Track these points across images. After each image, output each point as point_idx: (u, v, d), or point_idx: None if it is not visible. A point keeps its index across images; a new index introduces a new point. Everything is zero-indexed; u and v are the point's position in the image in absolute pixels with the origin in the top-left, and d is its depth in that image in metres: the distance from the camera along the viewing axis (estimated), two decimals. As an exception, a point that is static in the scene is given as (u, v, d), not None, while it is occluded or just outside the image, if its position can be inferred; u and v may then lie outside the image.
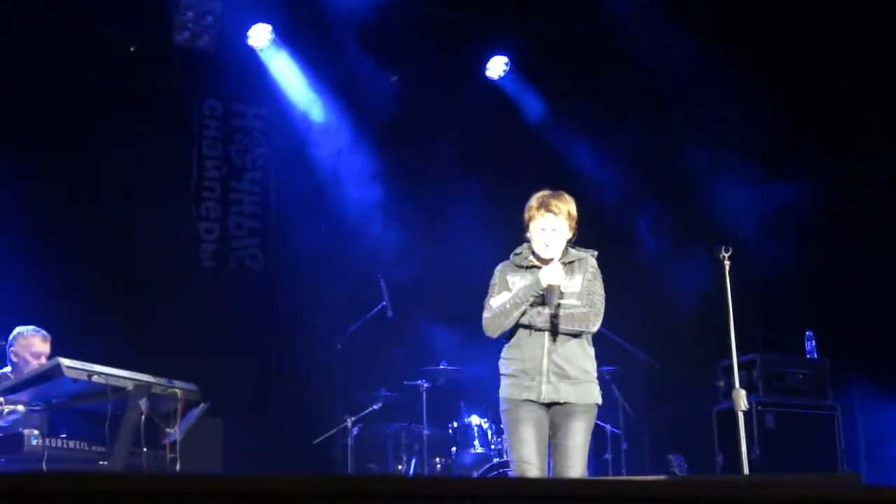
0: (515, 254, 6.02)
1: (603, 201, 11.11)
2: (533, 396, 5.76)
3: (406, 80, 10.79)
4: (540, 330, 5.80)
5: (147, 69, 10.05)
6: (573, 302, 5.83)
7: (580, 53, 10.93)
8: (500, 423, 9.13)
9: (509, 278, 5.88)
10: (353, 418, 8.92)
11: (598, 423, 9.37)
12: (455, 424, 9.32)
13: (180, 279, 10.02)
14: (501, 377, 5.93)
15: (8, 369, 7.29)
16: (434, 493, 2.46)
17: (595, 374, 5.97)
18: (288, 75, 10.63)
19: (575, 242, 6.06)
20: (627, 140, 11.04)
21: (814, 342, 9.72)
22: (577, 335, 5.87)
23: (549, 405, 5.79)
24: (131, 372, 6.80)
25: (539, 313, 5.79)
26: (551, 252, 5.86)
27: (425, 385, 9.15)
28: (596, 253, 6.09)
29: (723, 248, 6.24)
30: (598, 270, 6.04)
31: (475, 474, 8.86)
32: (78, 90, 9.53)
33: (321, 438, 9.12)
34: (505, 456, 8.98)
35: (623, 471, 9.39)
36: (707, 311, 8.77)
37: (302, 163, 10.68)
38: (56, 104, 9.49)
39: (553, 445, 5.86)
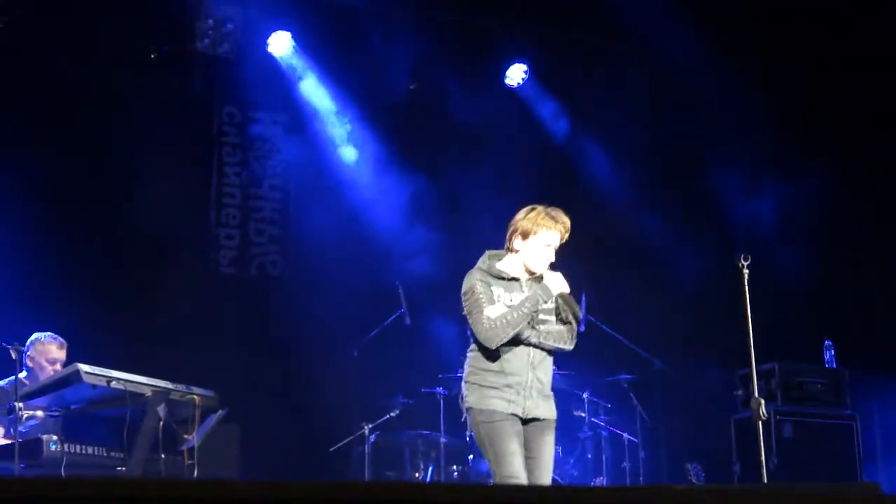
0: (488, 265, 5.91)
1: (620, 208, 11.11)
2: (518, 412, 5.72)
3: (425, 87, 10.80)
4: (525, 345, 5.76)
5: (168, 76, 10.07)
6: (549, 318, 5.83)
7: (599, 60, 10.92)
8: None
9: (493, 290, 5.78)
10: (370, 425, 8.91)
11: (616, 430, 9.43)
12: (471, 433, 9.31)
13: (200, 285, 10.05)
14: (475, 387, 5.80)
15: (24, 375, 7.32)
16: (451, 501, 2.47)
17: None
18: (308, 83, 10.65)
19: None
20: (645, 147, 11.04)
21: (832, 351, 9.69)
22: (551, 352, 5.88)
23: (525, 421, 5.78)
24: (150, 378, 6.83)
25: (533, 328, 5.75)
26: (545, 268, 5.86)
27: (442, 393, 9.15)
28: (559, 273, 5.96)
29: (742, 256, 6.22)
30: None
31: (491, 482, 8.84)
32: (98, 96, 9.57)
33: (338, 445, 9.12)
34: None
35: (641, 479, 9.37)
36: (725, 319, 8.75)
37: (321, 170, 10.70)
38: (76, 109, 9.53)
39: (528, 460, 5.79)
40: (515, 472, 5.68)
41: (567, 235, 5.95)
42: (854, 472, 9.26)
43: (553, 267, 5.99)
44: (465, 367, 5.92)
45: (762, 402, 6.10)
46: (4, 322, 7.69)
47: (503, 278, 5.83)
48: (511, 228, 5.92)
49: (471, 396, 5.81)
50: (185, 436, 6.94)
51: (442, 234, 10.51)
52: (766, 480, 6.24)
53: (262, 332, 10.08)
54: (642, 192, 11.01)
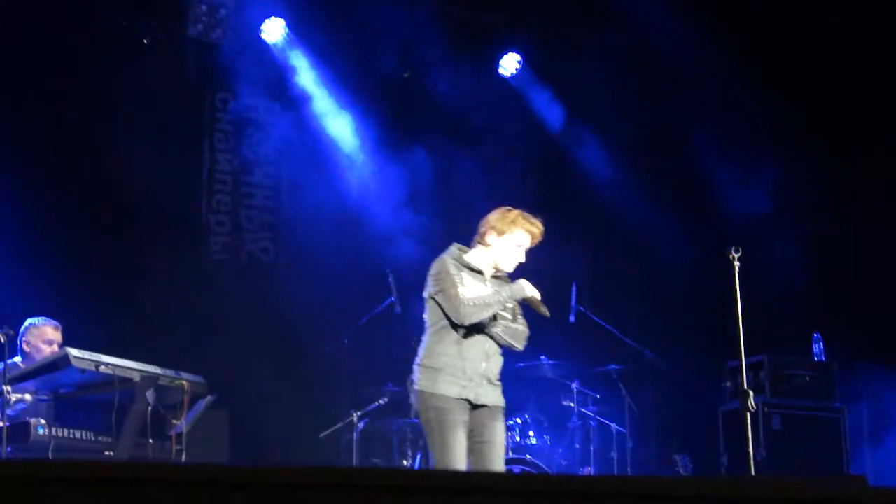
0: (458, 254, 6.15)
1: (612, 198, 11.12)
2: (470, 397, 5.93)
3: (419, 75, 10.78)
4: (482, 335, 6.00)
5: (160, 61, 10.03)
6: (507, 316, 6.10)
7: (592, 50, 10.92)
8: (507, 420, 9.19)
9: (464, 275, 6.02)
10: (359, 413, 8.91)
11: (604, 421, 9.45)
12: (461, 421, 9.32)
13: (191, 271, 10.03)
14: (430, 370, 5.97)
15: (18, 359, 7.31)
16: (438, 487, 2.47)
17: None
18: (301, 70, 10.63)
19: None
20: (637, 136, 11.04)
21: (821, 344, 9.71)
22: (501, 347, 6.12)
23: (475, 407, 5.97)
24: (139, 363, 6.82)
25: (498, 322, 6.01)
26: (513, 267, 6.16)
27: (432, 381, 9.14)
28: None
29: (732, 248, 6.22)
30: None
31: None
32: (89, 82, 9.53)
33: (327, 432, 9.12)
34: (509, 454, 9.00)
35: (628, 469, 9.39)
36: (715, 311, 8.76)
37: (314, 157, 10.68)
38: (67, 95, 9.50)
39: (480, 444, 5.99)
40: (460, 460, 5.86)
41: (539, 241, 6.21)
42: (841, 465, 9.29)
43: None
44: (421, 350, 6.09)
45: (751, 393, 6.11)
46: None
47: (471, 269, 6.09)
48: (487, 225, 6.15)
49: (424, 380, 5.97)
50: (174, 421, 6.94)
51: (433, 222, 10.50)
52: (753, 472, 6.26)
53: (252, 318, 10.06)
54: (634, 182, 11.02)
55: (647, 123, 10.97)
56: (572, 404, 9.45)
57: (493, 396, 6.04)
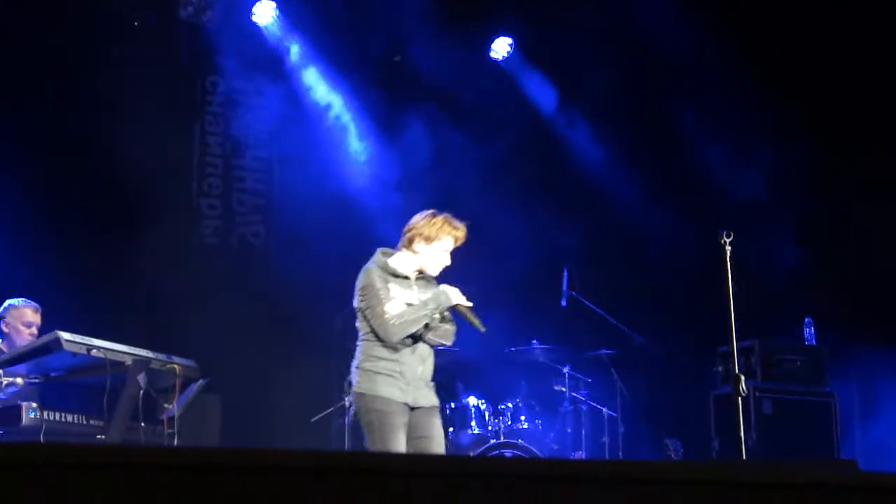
0: (383, 262, 6.28)
1: (602, 183, 11.13)
2: (409, 400, 6.08)
3: (410, 58, 10.76)
4: (418, 339, 6.16)
5: (151, 44, 10.00)
6: (437, 316, 6.19)
7: (584, 34, 10.90)
8: (499, 405, 9.24)
9: (389, 286, 6.16)
10: (350, 397, 8.92)
11: (596, 405, 9.47)
12: (452, 405, 9.34)
13: (182, 255, 10.01)
14: (369, 373, 6.11)
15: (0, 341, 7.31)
16: (429, 472, 2.47)
17: None
18: (292, 52, 10.60)
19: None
20: (629, 121, 11.04)
21: (812, 329, 9.72)
22: (432, 347, 6.29)
23: (412, 409, 6.12)
24: (130, 347, 6.81)
25: (429, 327, 6.15)
26: (439, 270, 6.33)
27: (423, 365, 9.16)
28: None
29: (724, 232, 6.22)
30: None
31: (472, 455, 8.87)
32: (80, 64, 9.49)
33: (319, 416, 9.13)
34: (501, 438, 9.01)
35: (619, 454, 9.41)
36: (706, 295, 8.77)
37: (305, 140, 10.66)
38: (56, 80, 9.45)
39: (419, 440, 6.12)
40: None
41: (461, 242, 6.36)
42: (832, 449, 9.31)
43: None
44: (359, 354, 6.22)
45: (742, 378, 6.12)
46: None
47: (397, 275, 6.22)
48: (413, 232, 6.28)
49: (364, 383, 6.11)
50: (166, 405, 6.93)
51: (425, 203, 10.43)
52: (744, 457, 6.27)
53: (244, 302, 10.04)
54: (625, 166, 11.02)
55: (639, 106, 10.97)
56: (564, 389, 9.47)
57: (430, 397, 6.21)
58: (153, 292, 9.48)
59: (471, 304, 6.25)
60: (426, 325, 6.13)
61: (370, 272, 6.20)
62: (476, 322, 6.25)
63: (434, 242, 6.26)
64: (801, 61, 10.33)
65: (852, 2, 10.00)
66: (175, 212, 10.16)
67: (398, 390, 6.05)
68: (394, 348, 6.08)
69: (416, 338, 6.14)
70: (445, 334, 6.26)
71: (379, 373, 6.07)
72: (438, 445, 6.20)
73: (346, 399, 8.85)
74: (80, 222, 9.53)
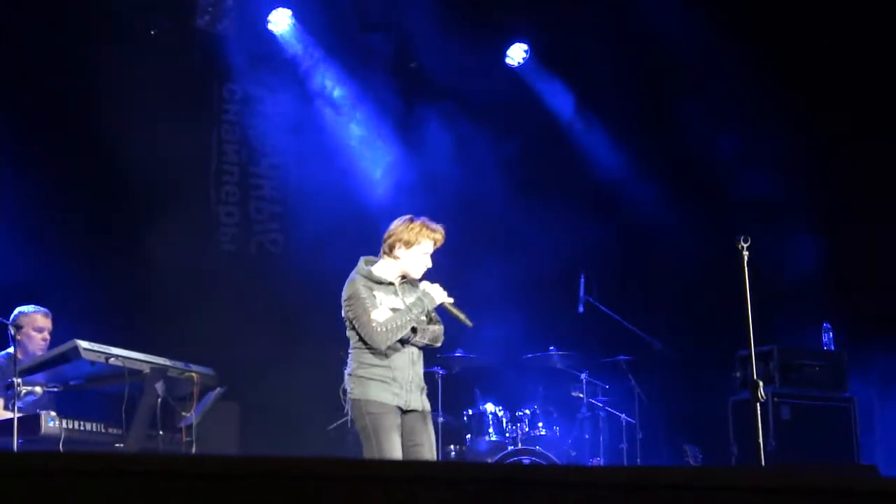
0: (367, 270, 6.39)
1: (619, 187, 11.12)
2: (401, 404, 6.20)
3: (425, 65, 10.77)
4: (407, 343, 6.27)
5: (167, 53, 10.03)
6: (424, 319, 6.33)
7: (600, 39, 10.89)
8: (517, 411, 9.23)
9: (374, 294, 6.27)
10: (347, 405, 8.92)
11: (613, 411, 9.45)
12: (470, 412, 9.34)
13: (201, 262, 10.03)
14: (363, 380, 6.22)
15: (12, 350, 7.31)
16: (446, 478, 2.46)
17: None
18: (308, 60, 10.62)
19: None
20: (645, 125, 11.03)
21: (831, 334, 9.68)
22: (421, 349, 6.39)
23: (405, 412, 6.25)
24: (148, 355, 6.83)
25: (417, 329, 6.26)
26: (421, 273, 6.41)
27: (441, 372, 9.17)
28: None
29: (741, 237, 6.20)
30: None
31: (490, 461, 8.86)
32: (97, 74, 9.51)
33: (336, 424, 9.13)
34: (519, 445, 9.01)
35: (638, 460, 9.39)
36: (724, 300, 8.74)
37: (321, 147, 10.67)
38: (74, 87, 9.49)
39: (411, 447, 6.24)
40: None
41: (441, 243, 6.46)
42: (852, 454, 9.26)
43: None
44: (351, 362, 6.33)
45: (760, 383, 6.10)
46: (2, 299, 7.67)
47: (381, 283, 6.33)
48: (393, 238, 6.40)
49: (358, 389, 6.24)
50: (184, 413, 6.95)
51: (442, 209, 10.48)
52: (763, 463, 6.25)
53: (262, 310, 10.07)
54: (642, 171, 11.01)
55: (654, 110, 10.95)
56: (581, 395, 9.45)
57: (422, 401, 6.32)
58: (171, 300, 9.49)
59: (452, 300, 6.36)
60: (413, 329, 6.24)
61: (354, 282, 6.33)
62: (462, 317, 6.37)
63: (414, 246, 6.37)
64: (823, 65, 10.29)
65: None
66: (193, 220, 10.19)
67: (390, 394, 6.17)
68: (384, 354, 6.19)
69: (405, 342, 6.25)
70: (433, 336, 6.37)
71: (372, 378, 6.20)
72: (430, 452, 6.30)
73: (346, 407, 8.83)
74: (98, 230, 9.56)
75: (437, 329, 6.39)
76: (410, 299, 6.31)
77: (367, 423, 6.16)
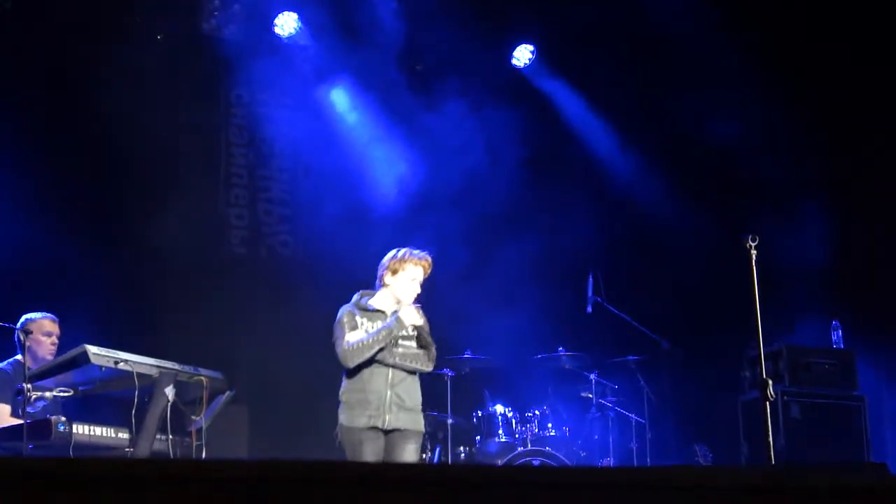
0: (357, 301, 6.88)
1: (626, 187, 11.11)
2: (379, 424, 6.62)
3: (431, 68, 10.78)
4: (384, 366, 6.67)
5: (174, 57, 10.04)
6: (411, 344, 6.75)
7: (607, 40, 10.89)
8: (526, 412, 9.24)
9: (358, 319, 6.75)
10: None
11: (623, 411, 9.45)
12: (479, 413, 9.34)
13: (210, 266, 10.05)
14: (345, 405, 6.74)
15: (20, 356, 7.32)
16: (457, 482, 2.47)
17: (421, 406, 6.85)
18: (315, 64, 10.63)
19: None
20: (653, 125, 11.02)
21: (840, 332, 9.66)
22: (412, 372, 6.78)
23: (387, 432, 6.66)
24: (157, 359, 6.83)
25: (390, 352, 6.66)
26: (412, 298, 6.82)
27: (450, 374, 9.17)
28: (419, 303, 6.88)
29: (749, 236, 6.20)
30: (425, 317, 6.83)
31: (500, 463, 8.87)
32: (105, 78, 9.53)
33: (346, 426, 9.12)
34: (528, 446, 9.01)
35: (648, 460, 9.38)
36: (733, 299, 8.73)
37: (329, 150, 10.69)
38: (82, 92, 9.50)
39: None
40: None
41: (429, 270, 6.91)
42: (862, 453, 9.24)
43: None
44: (341, 387, 6.83)
45: (769, 382, 6.09)
46: (12, 306, 7.69)
47: (369, 310, 6.80)
48: (382, 268, 6.90)
49: (342, 414, 6.76)
50: (193, 417, 6.95)
51: (450, 213, 10.51)
52: (773, 461, 6.24)
53: (271, 312, 10.07)
54: (649, 170, 11.00)
55: (663, 110, 10.93)
56: (591, 395, 9.45)
57: (404, 420, 6.68)
58: (181, 303, 9.50)
59: (421, 322, 6.71)
60: (391, 351, 6.63)
61: (342, 310, 6.84)
62: (427, 338, 6.78)
63: (399, 273, 6.83)
64: (832, 67, 10.28)
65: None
66: (203, 223, 10.21)
67: (366, 417, 6.61)
68: (363, 378, 6.65)
69: (383, 364, 6.66)
70: (416, 359, 6.75)
71: (349, 402, 6.71)
72: None
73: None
74: (108, 235, 9.57)
75: (418, 353, 6.75)
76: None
77: (346, 449, 6.70)
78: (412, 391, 6.76)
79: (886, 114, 10.09)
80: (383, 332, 6.63)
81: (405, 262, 6.84)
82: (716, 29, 10.08)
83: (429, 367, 6.82)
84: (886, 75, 10.09)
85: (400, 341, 6.71)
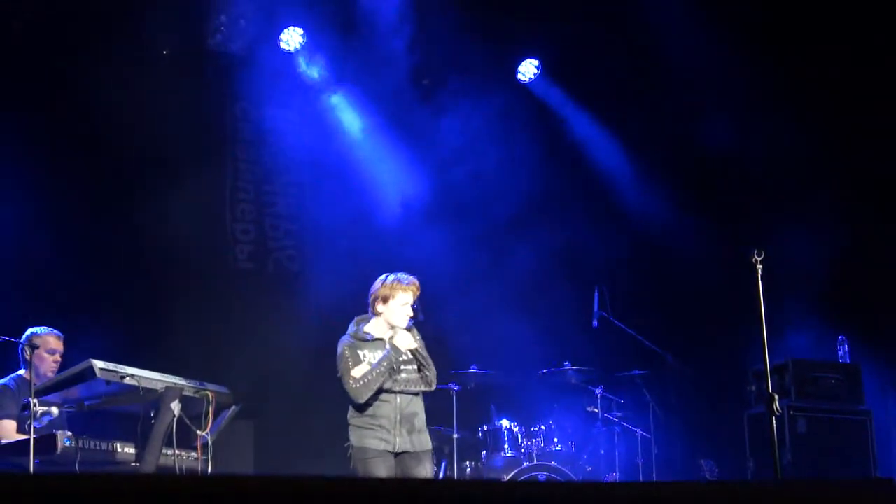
0: (355, 330, 7.02)
1: (631, 203, 11.11)
2: (389, 448, 6.80)
3: (437, 83, 10.80)
4: (391, 393, 6.83)
5: (180, 73, 10.05)
6: (413, 367, 6.92)
7: (611, 55, 10.90)
8: (532, 427, 9.23)
9: (359, 352, 6.89)
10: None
11: (629, 426, 9.43)
12: (485, 428, 9.33)
13: (217, 280, 10.05)
14: (356, 428, 6.88)
15: (23, 372, 7.31)
16: (463, 497, 2.47)
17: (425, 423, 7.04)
18: (320, 79, 10.65)
19: None
20: (656, 141, 11.02)
21: (846, 346, 9.64)
22: (416, 393, 6.94)
23: (398, 454, 6.82)
24: (163, 374, 6.83)
25: (394, 379, 6.83)
26: (405, 322, 6.96)
27: (455, 388, 9.16)
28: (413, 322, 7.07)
29: (755, 251, 6.20)
30: (419, 337, 7.02)
31: (505, 478, 8.85)
32: (110, 94, 9.54)
33: (350, 442, 9.11)
34: (534, 461, 9.00)
35: (654, 475, 9.36)
36: (739, 314, 8.73)
37: (335, 164, 10.70)
38: (88, 107, 9.51)
39: None
40: None
41: (419, 293, 7.04)
42: (869, 468, 9.22)
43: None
44: (349, 411, 6.96)
45: (776, 397, 6.08)
46: (18, 321, 7.69)
47: (367, 340, 6.93)
48: (372, 297, 7.02)
49: (352, 436, 6.91)
50: (199, 432, 6.94)
51: (456, 227, 10.53)
52: (780, 476, 6.23)
53: (277, 327, 10.08)
54: (654, 186, 11.00)
55: (668, 125, 10.94)
56: (597, 410, 9.44)
57: (414, 442, 6.86)
58: (187, 318, 9.51)
59: (415, 346, 6.87)
60: (395, 379, 6.80)
61: (341, 344, 6.96)
62: (423, 360, 6.91)
63: (390, 301, 6.96)
64: (839, 81, 10.28)
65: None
66: (209, 237, 10.22)
67: (377, 440, 6.79)
68: (372, 404, 6.81)
69: (389, 390, 6.83)
70: (419, 381, 6.91)
71: (361, 426, 6.85)
72: None
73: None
74: (114, 250, 9.57)
75: (414, 378, 6.90)
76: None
77: (358, 466, 6.82)
78: (419, 412, 6.93)
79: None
80: (384, 363, 6.80)
81: (394, 289, 6.97)
82: (717, 41, 10.08)
83: (431, 388, 6.98)
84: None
85: (402, 366, 6.87)
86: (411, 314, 6.99)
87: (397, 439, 6.79)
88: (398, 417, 6.82)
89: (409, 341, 6.89)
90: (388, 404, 6.83)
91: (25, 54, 9.31)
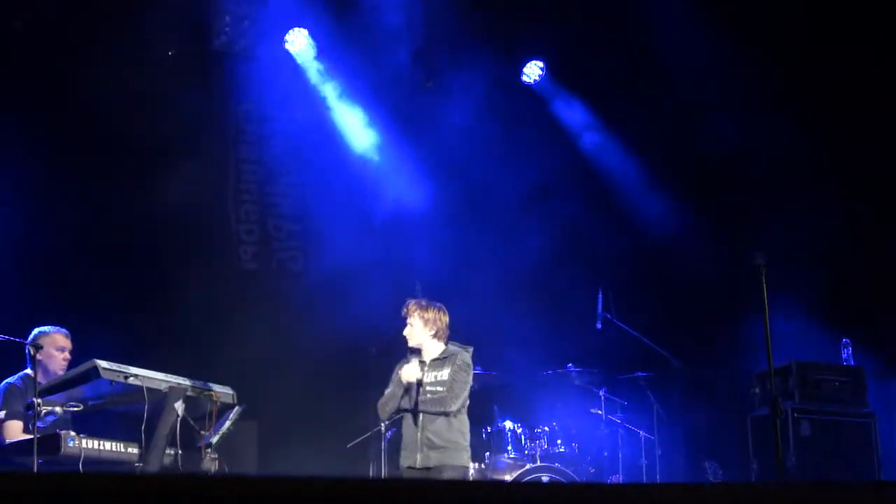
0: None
1: (637, 205, 11.10)
2: (413, 463, 7.25)
3: (442, 84, 10.80)
4: (411, 412, 7.29)
5: (184, 74, 10.06)
6: (439, 389, 7.29)
7: (611, 55, 10.90)
8: (535, 428, 9.24)
9: (396, 369, 7.45)
10: (387, 422, 8.92)
11: (632, 428, 9.43)
12: (489, 429, 9.32)
13: (221, 281, 10.06)
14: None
15: (30, 370, 7.31)
16: (467, 498, 2.47)
17: (465, 443, 7.36)
18: (324, 80, 10.65)
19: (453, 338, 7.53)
20: (661, 144, 11.02)
21: (850, 349, 9.63)
22: (441, 414, 7.27)
23: (422, 469, 7.21)
24: (167, 374, 6.84)
25: (408, 400, 7.28)
26: (411, 342, 7.44)
27: (458, 389, 9.15)
28: (471, 349, 7.50)
29: (759, 254, 6.20)
30: (469, 364, 7.42)
31: (509, 479, 8.85)
32: (115, 94, 9.54)
33: (355, 442, 9.13)
34: (538, 462, 9.00)
35: (657, 477, 9.35)
36: (743, 316, 8.72)
37: (339, 166, 10.70)
38: (93, 108, 9.52)
39: None
40: None
41: (415, 317, 7.42)
42: (873, 471, 9.19)
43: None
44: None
45: (779, 399, 6.08)
46: (23, 320, 7.70)
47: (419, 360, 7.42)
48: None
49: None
50: (203, 432, 6.95)
51: (461, 231, 10.53)
52: (783, 479, 6.22)
53: (282, 327, 10.09)
54: (659, 189, 10.99)
55: (673, 126, 10.94)
56: (600, 412, 9.43)
57: (436, 458, 7.23)
58: (191, 319, 9.52)
59: (415, 380, 7.24)
60: (417, 400, 7.24)
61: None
62: (414, 394, 7.27)
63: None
64: (840, 83, 10.26)
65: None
66: (214, 238, 10.23)
67: (401, 458, 7.36)
68: (401, 425, 7.40)
69: (411, 411, 7.29)
70: (436, 404, 7.24)
71: (400, 446, 7.43)
72: None
73: (383, 424, 8.82)
74: (119, 250, 9.58)
75: (438, 398, 7.23)
76: (433, 374, 7.32)
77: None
78: (442, 431, 7.24)
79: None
80: (394, 389, 7.37)
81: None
82: (717, 41, 10.08)
83: (449, 409, 7.23)
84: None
85: (427, 387, 7.30)
86: (405, 333, 7.42)
87: (418, 455, 7.22)
88: (420, 436, 7.23)
89: (415, 373, 7.28)
90: (410, 424, 7.30)
91: (26, 54, 9.31)
